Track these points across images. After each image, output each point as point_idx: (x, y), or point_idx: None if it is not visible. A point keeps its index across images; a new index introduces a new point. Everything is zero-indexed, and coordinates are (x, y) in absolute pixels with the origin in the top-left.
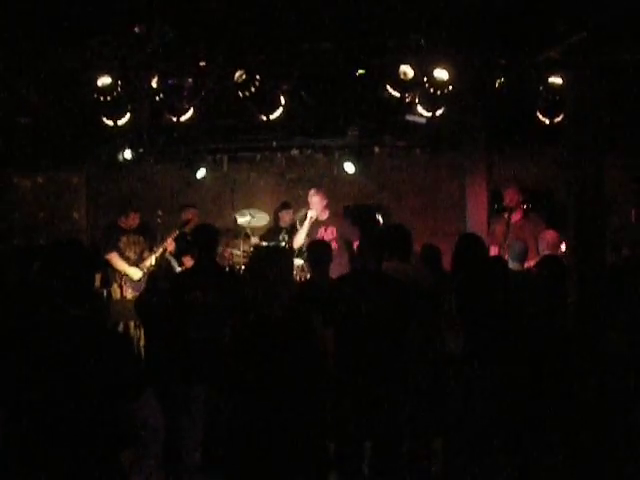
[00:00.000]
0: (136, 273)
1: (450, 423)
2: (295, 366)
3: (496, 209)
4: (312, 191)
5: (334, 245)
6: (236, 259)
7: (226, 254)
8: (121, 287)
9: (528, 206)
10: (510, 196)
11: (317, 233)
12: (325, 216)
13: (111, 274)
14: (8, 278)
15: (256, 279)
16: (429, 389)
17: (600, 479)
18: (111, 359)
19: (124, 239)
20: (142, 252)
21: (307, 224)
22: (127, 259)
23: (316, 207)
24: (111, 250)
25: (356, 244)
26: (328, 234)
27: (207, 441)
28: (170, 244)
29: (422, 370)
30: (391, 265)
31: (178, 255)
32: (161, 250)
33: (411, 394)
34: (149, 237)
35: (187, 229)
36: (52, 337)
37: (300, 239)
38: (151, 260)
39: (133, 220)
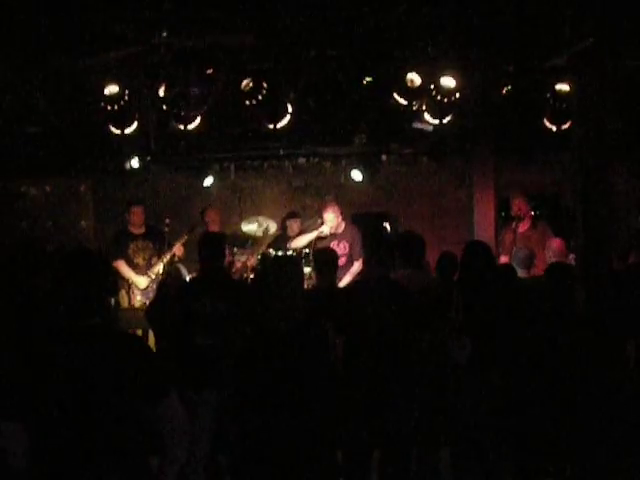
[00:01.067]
0: (143, 282)
1: (458, 432)
2: (308, 377)
3: (504, 217)
4: (328, 205)
5: (343, 261)
6: (244, 267)
7: (238, 264)
8: (129, 295)
9: (536, 214)
10: (518, 205)
11: (329, 245)
12: (340, 229)
13: (119, 282)
14: (18, 286)
15: (267, 289)
16: (437, 398)
17: None
18: (132, 365)
19: (132, 245)
20: (151, 258)
21: (314, 234)
22: (135, 266)
23: (330, 224)
24: (118, 258)
25: (357, 264)
26: (340, 248)
27: (216, 449)
28: (179, 249)
29: (430, 379)
30: (402, 273)
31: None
32: (169, 256)
33: (419, 403)
34: (158, 242)
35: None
36: (70, 348)
37: (300, 243)
38: (159, 267)
39: (137, 216)
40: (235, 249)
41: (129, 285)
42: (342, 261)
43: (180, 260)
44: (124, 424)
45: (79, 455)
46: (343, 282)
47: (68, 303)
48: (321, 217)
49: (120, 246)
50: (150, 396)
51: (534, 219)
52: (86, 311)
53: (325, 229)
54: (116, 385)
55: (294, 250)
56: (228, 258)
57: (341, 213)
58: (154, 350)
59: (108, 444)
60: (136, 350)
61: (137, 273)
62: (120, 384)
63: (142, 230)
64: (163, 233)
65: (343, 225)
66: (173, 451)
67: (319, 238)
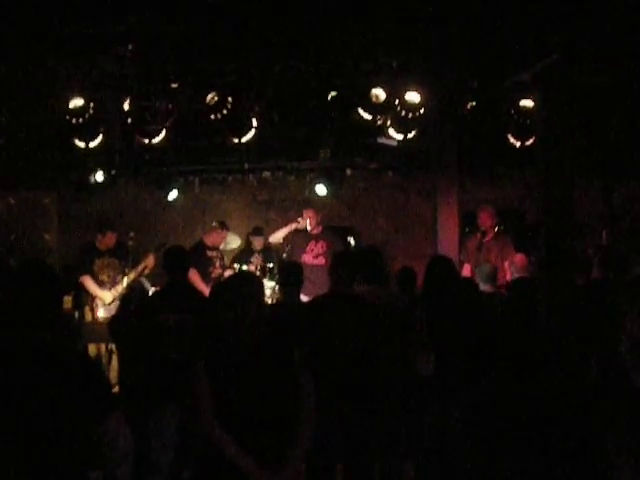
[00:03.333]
0: (107, 297)
1: (421, 445)
2: (268, 390)
3: (468, 232)
4: (307, 208)
5: (322, 260)
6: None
7: (214, 274)
8: (92, 310)
9: (499, 228)
10: (482, 218)
11: (307, 245)
12: (318, 231)
13: (84, 297)
14: None
15: (230, 310)
16: (400, 411)
17: None
18: (76, 382)
19: (98, 262)
20: (115, 276)
21: (289, 227)
22: (100, 282)
23: (309, 221)
24: (84, 273)
25: None
26: (318, 247)
27: (177, 463)
28: (150, 260)
29: (393, 392)
30: (365, 288)
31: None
32: (134, 274)
33: (382, 416)
34: (124, 259)
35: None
36: (16, 360)
37: (278, 236)
38: (123, 284)
39: (110, 239)
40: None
41: (93, 300)
42: (321, 261)
43: (151, 272)
44: (65, 439)
45: (19, 469)
46: None
47: (17, 315)
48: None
49: (86, 262)
50: (92, 414)
51: (497, 232)
52: (35, 324)
53: (302, 222)
54: (58, 401)
55: (270, 270)
56: (217, 273)
57: (321, 221)
58: (115, 364)
59: (48, 458)
60: (81, 367)
61: (102, 289)
62: (62, 400)
63: (107, 248)
64: (129, 251)
65: (321, 228)
66: (115, 469)
67: (296, 230)
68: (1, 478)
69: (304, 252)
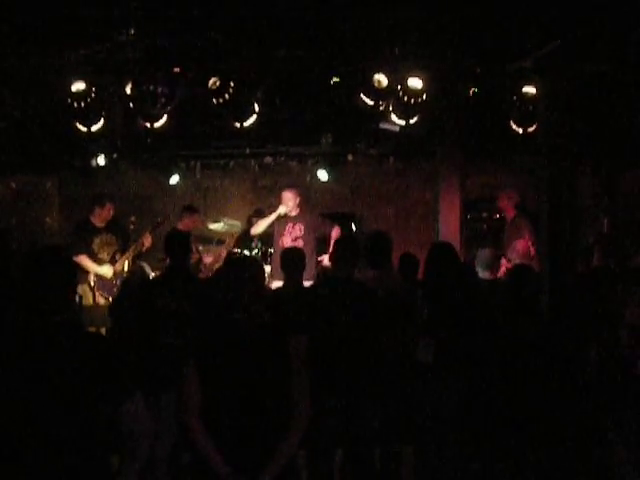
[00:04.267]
0: (107, 271)
1: (420, 431)
2: (265, 375)
3: (469, 219)
4: (286, 189)
5: (300, 243)
6: (212, 266)
7: (207, 262)
8: (93, 292)
9: (517, 211)
10: (499, 202)
11: (285, 229)
12: (295, 212)
13: (81, 276)
14: None
15: (227, 289)
16: (401, 397)
17: None
18: (97, 364)
19: (97, 240)
20: (115, 254)
21: (273, 216)
22: (100, 260)
23: (287, 204)
24: (81, 252)
25: (336, 229)
26: (296, 230)
27: (179, 447)
28: (147, 239)
29: (393, 378)
30: (370, 274)
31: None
32: (133, 251)
33: (382, 401)
34: (122, 236)
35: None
36: (36, 344)
37: (260, 228)
38: (123, 261)
39: (108, 212)
40: (201, 247)
41: (93, 282)
42: (299, 243)
43: (148, 251)
44: (86, 423)
45: (39, 453)
46: (325, 260)
47: (33, 299)
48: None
49: (84, 240)
50: (113, 397)
51: (516, 215)
52: (51, 308)
53: (282, 209)
54: (79, 384)
55: (259, 248)
56: (195, 256)
57: (299, 199)
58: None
59: (69, 442)
60: (100, 349)
61: (100, 265)
62: (83, 383)
63: (104, 224)
64: (125, 227)
65: (298, 209)
66: (134, 451)
67: (278, 218)
68: (21, 461)
69: (282, 235)
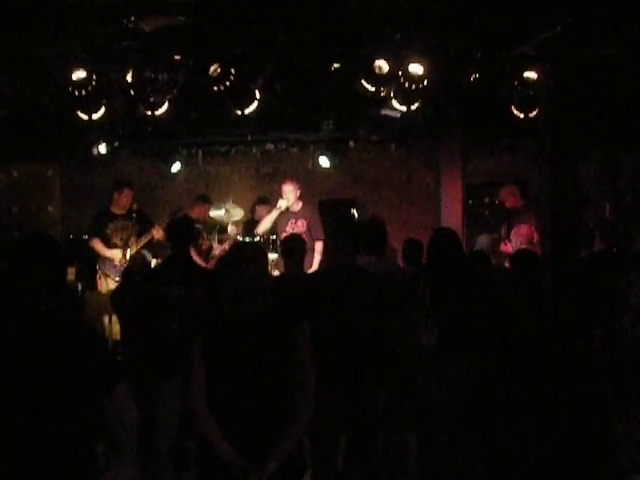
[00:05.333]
0: (118, 255)
1: (424, 417)
2: (270, 363)
3: (471, 204)
4: (286, 181)
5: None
6: (214, 252)
7: (216, 251)
8: (105, 276)
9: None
10: (503, 197)
11: (287, 224)
12: (298, 207)
13: (97, 261)
14: None
15: (231, 275)
16: (404, 383)
17: (575, 472)
18: (81, 355)
19: (112, 225)
20: (128, 239)
21: (275, 213)
22: (113, 245)
23: (288, 197)
24: (94, 236)
25: (319, 244)
26: (298, 226)
27: (182, 434)
28: (158, 232)
29: (396, 364)
30: (368, 259)
31: None
32: (145, 240)
33: (385, 387)
34: (139, 225)
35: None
36: (20, 332)
37: (265, 225)
38: (135, 247)
39: (127, 198)
40: (203, 234)
41: (105, 265)
42: None
43: (160, 243)
44: (72, 413)
45: (25, 442)
46: (314, 261)
47: (22, 287)
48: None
49: (98, 225)
50: (98, 387)
51: (524, 203)
52: (40, 296)
53: (283, 203)
54: (64, 374)
55: (261, 236)
56: (206, 245)
57: (300, 195)
58: (117, 337)
59: (55, 433)
60: (87, 340)
61: (112, 250)
62: (68, 374)
63: (124, 211)
64: (148, 217)
65: (300, 204)
66: (120, 441)
67: (280, 213)
68: (7, 451)
69: (284, 231)
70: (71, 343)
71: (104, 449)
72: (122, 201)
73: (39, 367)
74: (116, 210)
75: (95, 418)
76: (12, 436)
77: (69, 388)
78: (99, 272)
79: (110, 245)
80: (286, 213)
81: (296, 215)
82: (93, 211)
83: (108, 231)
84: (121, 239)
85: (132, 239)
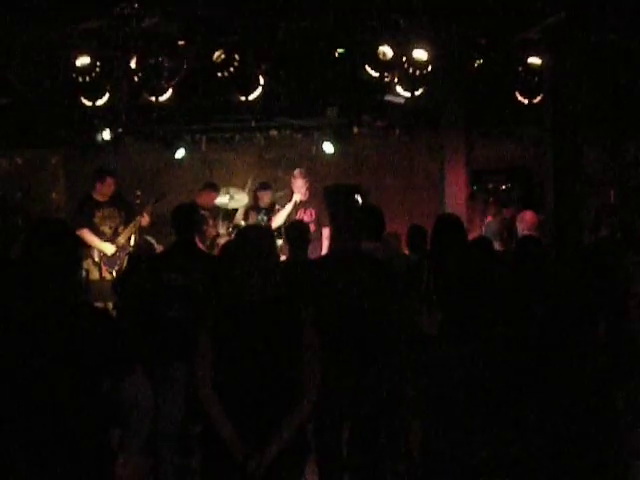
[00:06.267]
0: (109, 248)
1: (428, 402)
2: (277, 347)
3: (475, 190)
4: (296, 173)
5: (312, 228)
6: (220, 240)
7: (221, 240)
8: (99, 267)
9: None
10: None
11: (296, 214)
12: (305, 197)
13: (85, 251)
14: None
15: (246, 260)
16: (407, 369)
17: (578, 457)
18: (98, 338)
19: (99, 214)
20: (117, 227)
21: (290, 206)
22: (102, 234)
23: (300, 190)
24: (83, 226)
25: (327, 230)
26: (307, 216)
27: (186, 420)
28: (144, 219)
29: (400, 350)
30: (368, 245)
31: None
32: (134, 225)
33: (389, 373)
34: (124, 210)
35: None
36: (38, 318)
37: (280, 220)
38: (125, 235)
39: (109, 187)
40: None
41: (99, 257)
42: (311, 228)
43: (145, 230)
44: (87, 397)
45: (40, 428)
46: (324, 247)
47: (36, 274)
48: (290, 188)
49: (85, 214)
50: (115, 372)
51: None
52: (54, 283)
53: (297, 197)
54: (79, 359)
55: (277, 229)
56: (212, 232)
57: (309, 186)
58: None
59: (70, 417)
60: (102, 324)
61: (103, 241)
62: (84, 358)
63: (107, 198)
64: (129, 202)
65: (307, 194)
66: (135, 425)
67: (295, 206)
68: (22, 437)
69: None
70: (87, 326)
71: (118, 433)
72: (105, 190)
73: (56, 351)
74: (99, 197)
75: (111, 401)
76: (27, 419)
77: (86, 371)
78: (85, 261)
79: (99, 234)
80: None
81: (305, 205)
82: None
83: (96, 220)
84: (110, 227)
85: (120, 227)
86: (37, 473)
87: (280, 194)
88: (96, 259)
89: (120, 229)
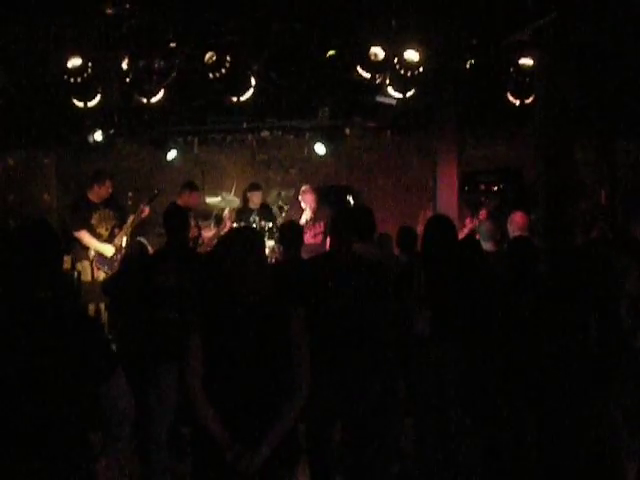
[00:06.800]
0: (109, 249)
1: (420, 402)
2: (267, 346)
3: (467, 191)
4: (305, 189)
5: (320, 239)
6: (211, 241)
7: (205, 238)
8: (92, 267)
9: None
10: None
11: (307, 230)
12: (314, 213)
13: (81, 252)
14: None
15: (230, 261)
16: (400, 369)
17: (571, 457)
18: (78, 342)
19: (95, 216)
20: (113, 228)
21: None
22: (99, 236)
23: (310, 205)
24: (81, 228)
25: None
26: (316, 227)
27: (178, 421)
28: (145, 211)
29: (392, 350)
30: (360, 246)
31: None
32: (131, 225)
33: (381, 373)
34: (119, 212)
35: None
36: (16, 320)
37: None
38: (122, 236)
39: (106, 190)
40: (199, 222)
41: (94, 257)
42: (319, 239)
43: (146, 221)
44: (67, 401)
45: (18, 431)
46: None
47: (16, 275)
48: (286, 187)
49: (82, 216)
50: (94, 374)
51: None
52: (35, 284)
53: (308, 214)
54: (59, 362)
55: (265, 206)
56: (194, 231)
57: (317, 197)
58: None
59: (50, 421)
60: (82, 327)
61: (101, 242)
62: (64, 361)
63: (102, 200)
64: (121, 204)
65: (316, 206)
66: (115, 429)
67: (305, 223)
68: (1, 440)
69: (305, 233)
70: (68, 330)
71: (98, 436)
72: (102, 192)
73: (36, 354)
74: (94, 199)
75: (91, 405)
76: (7, 422)
77: (66, 375)
78: (82, 262)
79: (95, 235)
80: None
81: (314, 219)
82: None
83: (93, 222)
84: (106, 229)
85: (116, 229)
86: (17, 476)
87: (272, 195)
88: (91, 259)
89: (116, 230)
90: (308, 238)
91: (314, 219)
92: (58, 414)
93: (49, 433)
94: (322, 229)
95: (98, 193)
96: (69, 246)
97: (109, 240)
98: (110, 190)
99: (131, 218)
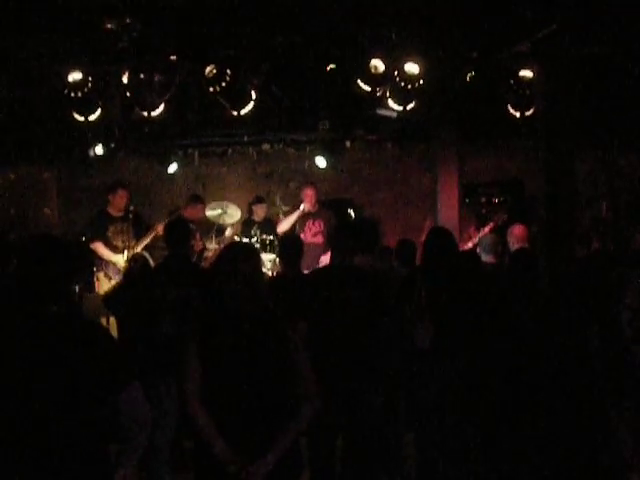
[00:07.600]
0: (121, 260)
1: (422, 416)
2: (266, 360)
3: (467, 203)
4: (308, 186)
5: (320, 238)
6: (208, 253)
7: (209, 253)
8: (109, 279)
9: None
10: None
11: (306, 225)
12: (315, 209)
13: (96, 264)
14: None
15: (225, 275)
16: (400, 382)
17: (573, 470)
18: (93, 353)
19: (112, 228)
20: (129, 242)
21: (296, 215)
22: (114, 248)
23: (310, 200)
24: (97, 239)
25: None
26: (316, 226)
27: (180, 434)
28: (160, 228)
29: (393, 365)
30: (362, 259)
31: None
32: (147, 240)
33: (382, 389)
34: (137, 226)
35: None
36: (33, 335)
37: (284, 227)
38: (137, 249)
39: (121, 198)
40: (198, 235)
41: (107, 266)
42: (319, 239)
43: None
44: (84, 413)
45: (37, 443)
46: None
47: (29, 289)
48: (300, 197)
49: (99, 227)
50: (111, 385)
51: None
52: (47, 298)
53: (305, 206)
54: (76, 374)
55: (278, 235)
56: (199, 245)
57: (317, 199)
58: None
59: (68, 433)
60: (98, 338)
61: (115, 254)
62: (81, 373)
63: (121, 213)
64: (142, 217)
65: (317, 206)
66: (133, 439)
67: (300, 216)
68: (19, 453)
69: (302, 232)
70: (82, 342)
71: (117, 448)
72: (118, 202)
73: (52, 367)
74: (113, 212)
75: (108, 417)
76: (25, 436)
77: (81, 388)
78: (97, 274)
79: (111, 247)
80: (305, 214)
81: (314, 216)
82: (90, 213)
83: (109, 234)
84: (122, 242)
85: (132, 242)
86: None
87: (287, 209)
88: (109, 272)
89: (132, 243)
90: (308, 237)
91: (313, 214)
92: (77, 426)
93: (69, 445)
94: (321, 228)
95: (114, 203)
96: (81, 262)
97: (124, 252)
98: (125, 199)
99: (148, 235)
